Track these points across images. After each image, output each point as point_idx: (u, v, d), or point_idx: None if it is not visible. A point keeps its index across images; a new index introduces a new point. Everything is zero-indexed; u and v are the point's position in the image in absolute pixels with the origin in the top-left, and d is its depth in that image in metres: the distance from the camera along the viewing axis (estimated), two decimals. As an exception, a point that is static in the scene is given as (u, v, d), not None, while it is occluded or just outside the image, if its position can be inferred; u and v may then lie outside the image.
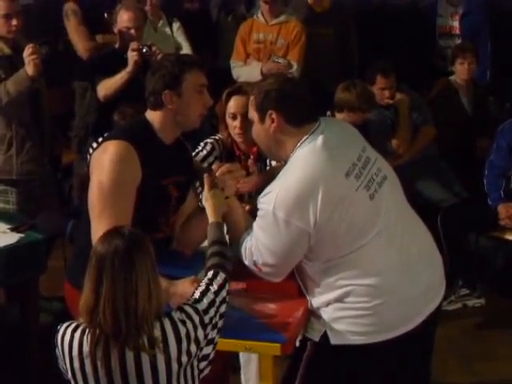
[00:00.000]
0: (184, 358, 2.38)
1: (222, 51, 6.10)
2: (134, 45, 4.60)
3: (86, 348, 2.35)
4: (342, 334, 2.82)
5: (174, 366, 2.37)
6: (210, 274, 2.59)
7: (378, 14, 6.09)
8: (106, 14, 4.67)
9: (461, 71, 5.51)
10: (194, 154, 3.58)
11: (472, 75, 5.56)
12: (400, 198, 2.94)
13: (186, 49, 5.72)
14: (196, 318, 2.42)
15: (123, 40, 4.77)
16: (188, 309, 2.44)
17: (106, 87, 4.66)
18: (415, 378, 3.10)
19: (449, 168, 5.39)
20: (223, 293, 2.55)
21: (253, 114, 2.86)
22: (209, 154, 3.70)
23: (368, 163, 2.81)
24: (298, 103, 2.81)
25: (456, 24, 6.17)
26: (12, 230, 3.92)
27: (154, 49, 4.65)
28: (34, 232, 3.93)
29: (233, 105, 3.64)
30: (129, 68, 4.60)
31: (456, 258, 4.68)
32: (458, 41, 5.93)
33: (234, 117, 3.64)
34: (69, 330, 2.40)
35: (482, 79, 5.88)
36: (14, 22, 4.36)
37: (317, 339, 2.87)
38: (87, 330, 2.36)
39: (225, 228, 2.84)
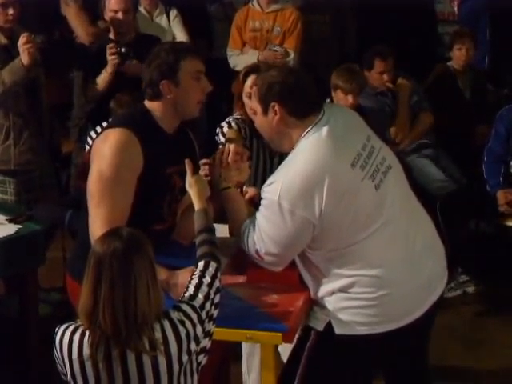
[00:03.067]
0: (184, 358, 2.37)
1: (216, 41, 6.07)
2: (111, 48, 4.55)
3: (86, 350, 2.33)
4: (347, 324, 2.81)
5: (176, 366, 2.36)
6: (201, 264, 2.57)
7: (377, 0, 6.05)
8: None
9: (459, 57, 5.50)
10: (217, 132, 3.63)
11: (470, 61, 5.55)
12: (405, 187, 2.93)
13: (182, 39, 5.68)
14: (194, 316, 2.41)
15: (116, 28, 4.74)
16: (185, 307, 2.42)
17: (99, 82, 4.64)
18: (414, 365, 3.12)
19: (447, 155, 5.38)
20: (216, 283, 2.54)
21: (256, 106, 2.83)
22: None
23: (373, 152, 2.80)
24: (302, 96, 2.79)
25: (455, 10, 6.15)
26: (10, 221, 3.90)
27: (130, 53, 4.60)
28: (33, 223, 3.92)
29: (250, 84, 3.62)
30: (109, 70, 4.57)
31: (455, 245, 4.67)
32: (457, 27, 5.91)
33: (251, 96, 3.62)
34: (67, 333, 2.38)
35: (480, 65, 5.87)
36: (11, 11, 4.34)
37: (321, 329, 2.87)
38: (87, 333, 2.35)
39: (210, 214, 2.80)
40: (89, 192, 2.86)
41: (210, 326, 2.48)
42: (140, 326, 2.31)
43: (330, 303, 2.84)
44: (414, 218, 2.90)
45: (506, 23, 5.99)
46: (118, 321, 2.30)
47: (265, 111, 2.79)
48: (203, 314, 2.44)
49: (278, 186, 2.69)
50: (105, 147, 2.84)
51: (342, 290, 2.80)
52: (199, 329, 2.41)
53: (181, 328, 2.36)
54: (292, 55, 5.52)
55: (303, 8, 5.77)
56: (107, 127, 2.96)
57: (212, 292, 2.51)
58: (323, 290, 2.84)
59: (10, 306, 4.15)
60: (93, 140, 4.34)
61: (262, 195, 2.78)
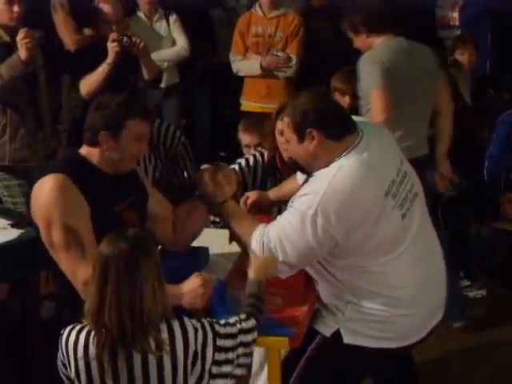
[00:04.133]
0: (190, 365, 2.38)
1: (218, 45, 6.08)
2: (113, 35, 4.56)
3: (92, 350, 2.35)
4: (357, 335, 2.84)
5: (180, 368, 2.36)
6: (243, 315, 2.57)
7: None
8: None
9: (461, 62, 5.50)
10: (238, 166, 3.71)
11: (472, 66, 5.55)
12: (426, 213, 2.96)
13: (182, 43, 5.69)
14: (209, 335, 2.41)
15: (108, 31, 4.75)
16: (205, 322, 2.44)
17: (88, 83, 4.65)
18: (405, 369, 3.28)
19: (448, 159, 5.37)
20: (248, 337, 2.52)
21: (290, 136, 2.82)
22: (254, 166, 3.77)
23: (405, 179, 2.83)
24: (336, 118, 2.80)
25: (456, 15, 6.16)
26: (12, 226, 3.90)
27: (134, 39, 4.62)
28: (34, 228, 3.91)
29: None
30: (109, 60, 4.55)
31: (457, 250, 4.67)
32: (458, 32, 5.92)
33: (282, 133, 3.67)
34: (73, 332, 2.40)
35: (481, 70, 5.88)
36: (16, 9, 4.31)
37: (328, 335, 2.89)
38: (92, 332, 2.36)
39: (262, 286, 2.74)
40: (50, 245, 2.80)
41: (229, 369, 2.46)
42: (146, 325, 2.32)
43: (343, 312, 2.86)
44: (429, 244, 2.96)
45: (506, 28, 6.01)
46: (124, 321, 2.31)
47: (301, 139, 2.79)
48: (220, 342, 2.42)
49: (316, 201, 2.69)
50: (43, 196, 2.77)
51: (358, 303, 2.83)
52: (210, 350, 2.40)
53: (191, 333, 2.37)
54: (294, 60, 5.54)
55: (305, 13, 5.79)
56: (39, 177, 2.88)
57: (240, 338, 2.49)
58: (338, 298, 2.87)
59: (12, 309, 4.16)
60: None
61: (294, 205, 2.77)
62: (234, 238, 3.14)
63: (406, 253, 2.81)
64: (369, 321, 2.82)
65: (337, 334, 2.86)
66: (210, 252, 3.24)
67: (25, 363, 3.89)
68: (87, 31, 5.16)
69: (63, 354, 2.42)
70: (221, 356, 2.44)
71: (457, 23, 6.14)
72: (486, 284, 4.86)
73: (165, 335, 2.35)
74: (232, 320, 2.52)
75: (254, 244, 2.82)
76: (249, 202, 3.42)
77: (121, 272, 2.33)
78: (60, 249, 2.76)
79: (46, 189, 2.77)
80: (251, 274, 2.71)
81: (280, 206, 3.49)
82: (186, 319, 2.41)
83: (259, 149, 3.87)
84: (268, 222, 2.89)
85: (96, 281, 2.36)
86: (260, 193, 3.50)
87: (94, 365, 2.35)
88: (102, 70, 4.58)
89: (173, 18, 5.72)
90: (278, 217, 2.87)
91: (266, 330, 2.71)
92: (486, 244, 4.95)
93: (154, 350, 2.33)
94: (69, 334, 2.41)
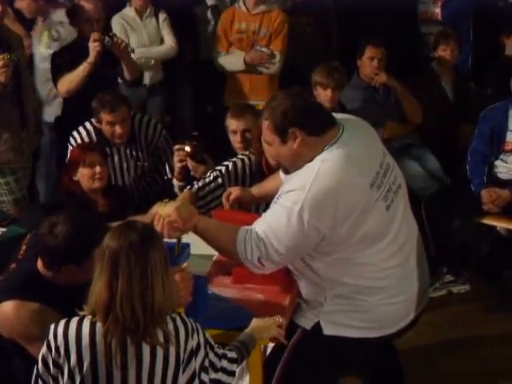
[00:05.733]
0: (186, 357, 2.40)
1: (202, 43, 6.07)
2: (95, 35, 4.58)
3: (99, 340, 2.34)
4: (336, 326, 2.86)
5: (183, 358, 2.39)
6: (229, 348, 2.61)
7: (360, 1, 6.07)
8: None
9: (443, 57, 5.52)
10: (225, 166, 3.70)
11: (454, 62, 5.57)
12: (408, 205, 2.98)
13: (170, 41, 5.68)
14: (202, 336, 2.45)
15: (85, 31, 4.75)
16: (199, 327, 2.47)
17: (68, 82, 4.64)
18: (391, 366, 3.33)
19: (432, 155, 5.39)
20: (230, 366, 2.56)
21: (271, 138, 2.81)
22: (242, 171, 3.74)
23: (388, 170, 2.85)
24: (315, 114, 2.81)
25: (438, 10, 6.17)
26: (-5, 224, 3.90)
27: (115, 39, 4.63)
28: (17, 226, 3.90)
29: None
30: (90, 59, 4.58)
31: (440, 245, 4.69)
32: (440, 27, 5.93)
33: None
34: (73, 324, 2.39)
35: (463, 65, 5.89)
36: None
37: (308, 327, 2.90)
38: (98, 324, 2.36)
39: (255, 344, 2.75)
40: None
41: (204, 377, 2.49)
42: (156, 317, 2.34)
43: (323, 305, 2.88)
44: (411, 235, 2.97)
45: (488, 23, 6.02)
46: (137, 313, 2.32)
47: (283, 140, 2.78)
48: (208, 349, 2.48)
49: (301, 197, 2.69)
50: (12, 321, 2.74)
51: (338, 295, 2.85)
52: (202, 352, 2.45)
53: (190, 328, 2.40)
54: (278, 57, 5.52)
55: (289, 10, 5.78)
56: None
57: (222, 364, 2.53)
58: (318, 293, 2.88)
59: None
60: (75, 141, 4.35)
61: (279, 201, 2.77)
62: None
63: (390, 244, 2.83)
64: (348, 311, 2.84)
65: (317, 326, 2.87)
66: (191, 250, 3.23)
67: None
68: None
69: (57, 347, 2.39)
70: (206, 363, 2.47)
71: (439, 18, 6.14)
72: (469, 279, 4.86)
73: (170, 327, 2.37)
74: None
75: (239, 248, 2.80)
76: (231, 197, 3.41)
77: (132, 263, 2.33)
78: None
79: (10, 314, 2.75)
80: (251, 329, 2.72)
81: (261, 203, 3.49)
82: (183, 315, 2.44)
83: (246, 153, 3.85)
84: (249, 222, 2.86)
85: (105, 274, 2.35)
86: (243, 189, 3.49)
87: (100, 356, 2.35)
88: (82, 69, 4.58)
89: (162, 16, 5.71)
90: (264, 214, 2.86)
91: (245, 323, 2.73)
92: (469, 239, 4.97)
93: (162, 342, 2.35)
94: (66, 326, 2.39)
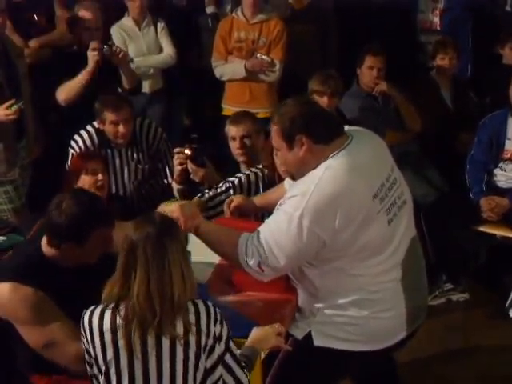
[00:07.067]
0: (210, 341, 2.41)
1: (204, 51, 6.08)
2: (94, 44, 4.60)
3: (120, 324, 2.37)
4: (327, 338, 2.86)
5: (205, 343, 2.40)
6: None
7: (359, 9, 6.09)
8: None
9: (442, 66, 5.53)
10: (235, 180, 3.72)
11: (453, 70, 5.58)
12: (411, 223, 2.97)
13: (168, 50, 5.69)
14: (225, 330, 2.47)
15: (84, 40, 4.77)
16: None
17: (67, 90, 4.65)
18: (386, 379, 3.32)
19: (431, 163, 5.40)
20: (234, 366, 2.54)
21: (279, 144, 2.83)
22: (255, 183, 3.78)
23: (394, 185, 2.84)
24: (323, 122, 2.82)
25: (437, 19, 6.19)
26: (-4, 232, 3.90)
27: (114, 48, 4.65)
28: (17, 234, 3.91)
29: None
30: (89, 68, 4.60)
31: (439, 253, 4.70)
32: (439, 36, 5.94)
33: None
34: (96, 312, 2.43)
35: (462, 74, 5.91)
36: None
37: (299, 337, 2.89)
38: (118, 315, 2.39)
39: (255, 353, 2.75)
40: (38, 345, 2.76)
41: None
42: (176, 308, 2.36)
43: (315, 315, 2.87)
44: (411, 251, 2.94)
45: (487, 32, 6.04)
46: (154, 304, 2.34)
47: (290, 146, 2.80)
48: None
49: (302, 203, 2.69)
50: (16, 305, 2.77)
51: (331, 306, 2.84)
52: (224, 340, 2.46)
53: (212, 311, 2.42)
54: (277, 66, 5.54)
55: (288, 18, 5.79)
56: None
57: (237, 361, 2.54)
58: (311, 302, 2.88)
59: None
60: (77, 144, 4.36)
61: (281, 207, 2.78)
62: None
63: (388, 258, 2.82)
64: (340, 323, 2.84)
65: (308, 337, 2.87)
66: (191, 258, 3.23)
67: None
68: (32, 43, 5.15)
69: (86, 337, 2.43)
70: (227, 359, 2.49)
71: (438, 27, 6.16)
72: (468, 287, 4.87)
73: (191, 315, 2.39)
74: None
75: (240, 251, 2.80)
76: (232, 205, 3.42)
77: (149, 256, 2.36)
78: (54, 344, 2.76)
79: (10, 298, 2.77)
80: (252, 341, 2.72)
81: (263, 212, 3.49)
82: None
83: (259, 166, 3.86)
84: (250, 230, 2.86)
85: (122, 265, 2.39)
86: (244, 197, 3.50)
87: (121, 345, 2.38)
88: (81, 78, 4.60)
89: (161, 25, 5.72)
90: (266, 220, 2.87)
91: (245, 332, 2.73)
92: (468, 247, 4.97)
93: (181, 335, 2.36)
94: (91, 315, 2.43)
